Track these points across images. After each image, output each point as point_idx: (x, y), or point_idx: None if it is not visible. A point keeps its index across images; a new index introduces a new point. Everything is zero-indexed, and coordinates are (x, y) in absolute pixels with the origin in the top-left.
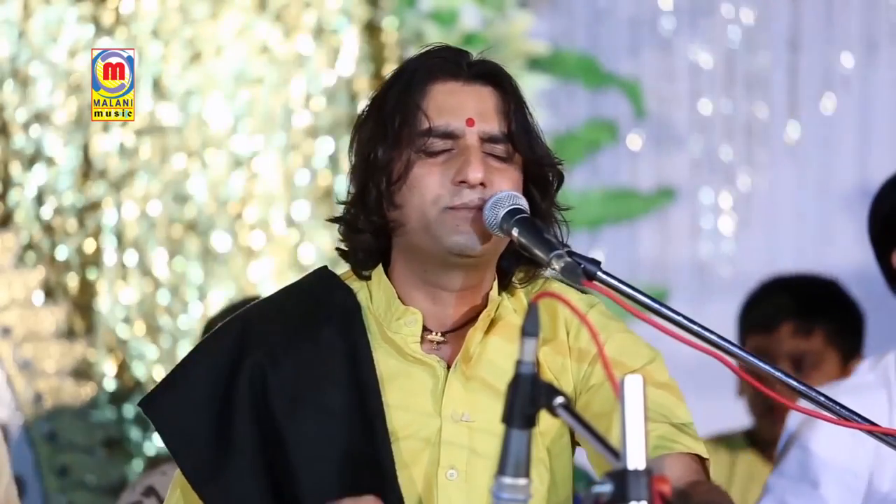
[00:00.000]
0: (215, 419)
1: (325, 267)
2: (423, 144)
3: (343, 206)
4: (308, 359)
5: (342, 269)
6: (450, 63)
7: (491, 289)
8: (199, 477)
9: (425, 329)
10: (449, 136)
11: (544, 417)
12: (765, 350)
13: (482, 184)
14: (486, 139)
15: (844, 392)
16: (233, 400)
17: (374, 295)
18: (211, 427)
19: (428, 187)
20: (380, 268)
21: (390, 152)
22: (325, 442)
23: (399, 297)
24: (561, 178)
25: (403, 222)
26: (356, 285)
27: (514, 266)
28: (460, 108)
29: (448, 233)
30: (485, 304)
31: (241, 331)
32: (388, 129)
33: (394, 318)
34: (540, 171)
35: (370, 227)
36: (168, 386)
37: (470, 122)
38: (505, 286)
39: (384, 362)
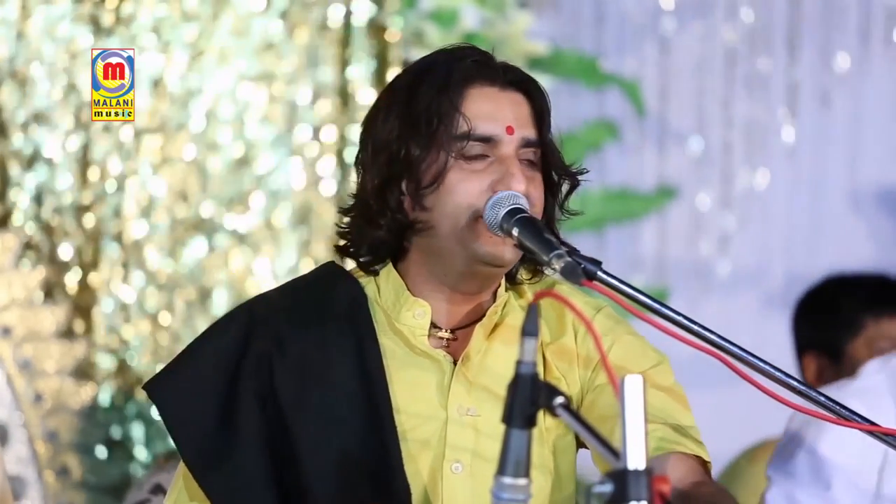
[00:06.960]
0: (220, 405)
1: (333, 262)
2: (461, 148)
3: (356, 198)
4: (315, 349)
5: (349, 265)
6: (485, 67)
7: (499, 286)
8: (201, 464)
9: (432, 325)
10: (487, 141)
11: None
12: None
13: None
14: (524, 145)
15: (851, 394)
16: (238, 387)
17: (383, 288)
18: (215, 413)
19: (464, 194)
20: (388, 264)
21: (423, 153)
22: (331, 434)
23: (409, 290)
24: (577, 185)
25: (432, 225)
26: (364, 279)
27: (520, 263)
28: (499, 114)
29: (482, 242)
30: (492, 301)
31: (249, 318)
32: (420, 128)
33: (403, 309)
34: (554, 177)
35: (391, 223)
36: (173, 370)
37: (510, 130)
38: (511, 282)
39: (391, 354)
